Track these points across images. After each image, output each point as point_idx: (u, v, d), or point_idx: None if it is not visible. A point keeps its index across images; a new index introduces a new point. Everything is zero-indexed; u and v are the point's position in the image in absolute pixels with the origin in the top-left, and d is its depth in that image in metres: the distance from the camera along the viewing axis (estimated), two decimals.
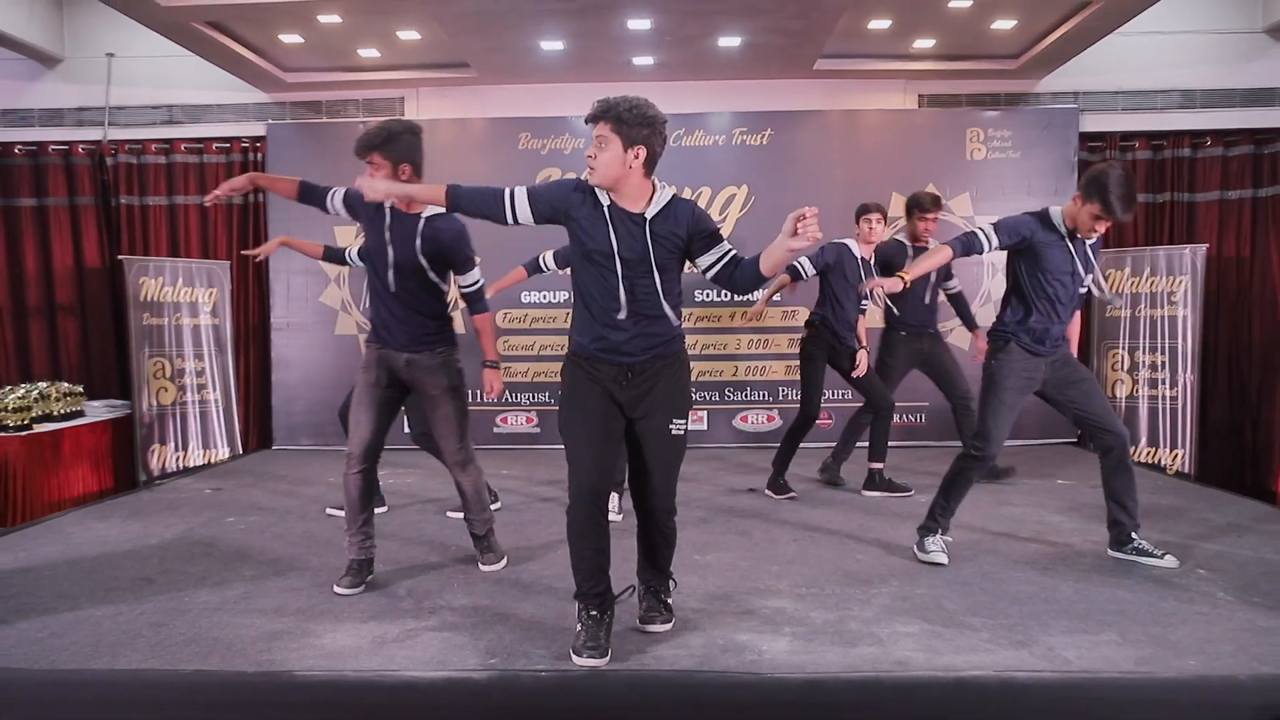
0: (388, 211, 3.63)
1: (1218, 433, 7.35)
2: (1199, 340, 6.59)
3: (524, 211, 2.99)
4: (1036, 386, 3.92)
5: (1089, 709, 2.67)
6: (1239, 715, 2.60)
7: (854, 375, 5.28)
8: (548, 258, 5.16)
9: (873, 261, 5.29)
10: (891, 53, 7.23)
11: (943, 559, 3.90)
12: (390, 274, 3.65)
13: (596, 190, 2.94)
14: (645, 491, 3.10)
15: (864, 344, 5.35)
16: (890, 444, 5.44)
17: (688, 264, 3.05)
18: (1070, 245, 3.80)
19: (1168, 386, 6.68)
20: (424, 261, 3.65)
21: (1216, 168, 7.53)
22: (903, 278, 3.82)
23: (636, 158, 2.86)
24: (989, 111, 7.44)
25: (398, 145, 3.57)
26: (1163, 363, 6.70)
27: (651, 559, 3.19)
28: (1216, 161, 7.53)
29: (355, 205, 3.70)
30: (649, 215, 2.92)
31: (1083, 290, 3.94)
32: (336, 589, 3.60)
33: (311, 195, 3.78)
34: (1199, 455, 6.58)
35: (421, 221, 3.64)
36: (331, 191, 3.76)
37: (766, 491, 5.38)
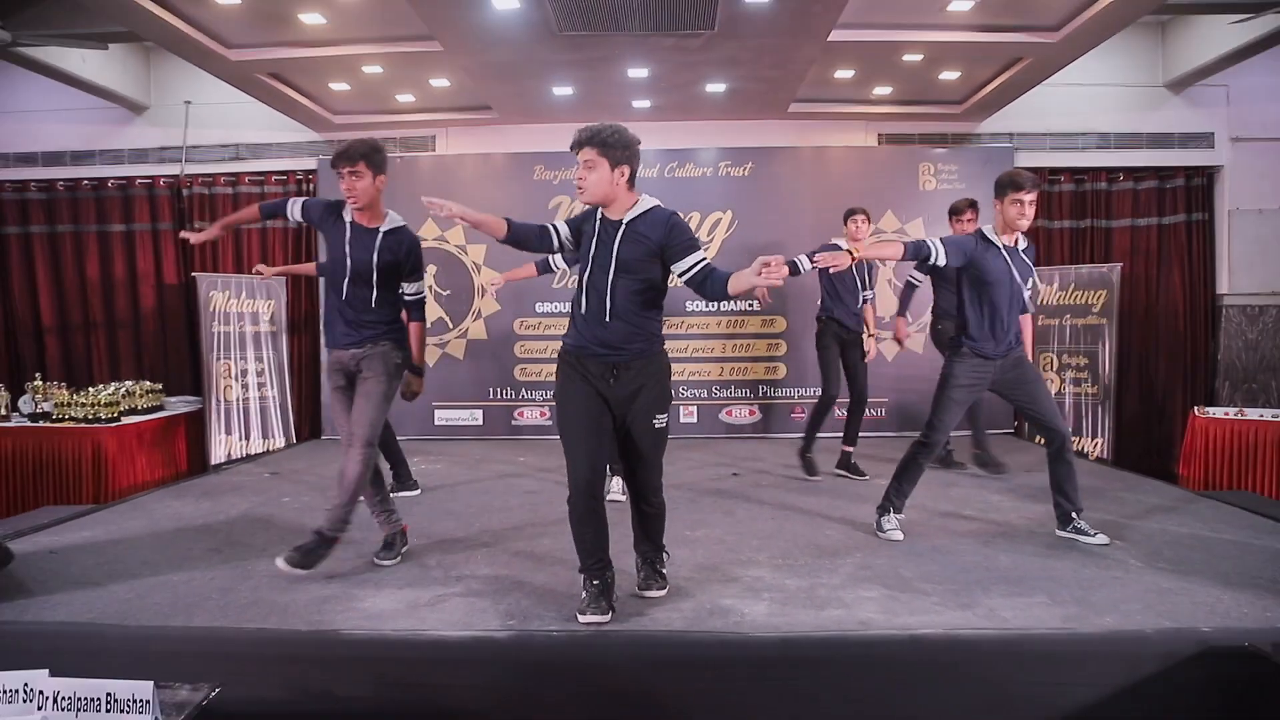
0: (348, 225, 3.47)
1: (1130, 424, 7.38)
2: (1115, 346, 6.59)
3: (567, 237, 3.00)
4: (987, 386, 3.86)
5: (1023, 660, 2.66)
6: (1147, 663, 2.60)
7: (865, 360, 5.22)
8: (556, 257, 4.85)
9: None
10: (854, 98, 7.23)
11: (898, 535, 3.88)
12: (346, 282, 3.46)
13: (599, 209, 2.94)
14: (635, 476, 3.06)
15: (873, 331, 5.24)
16: (859, 435, 5.41)
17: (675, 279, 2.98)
18: (1005, 254, 3.75)
19: (1089, 385, 6.68)
20: (379, 271, 3.46)
21: (1128, 199, 7.57)
22: (851, 252, 3.70)
23: (622, 175, 2.86)
24: (938, 149, 7.44)
25: (379, 158, 3.44)
26: (1084, 365, 6.70)
27: (645, 533, 3.16)
28: (1128, 194, 7.56)
29: (313, 215, 3.55)
30: (626, 219, 2.89)
31: (1026, 293, 3.86)
32: (376, 560, 3.57)
33: (274, 211, 3.60)
34: (1115, 444, 6.58)
35: (380, 235, 3.47)
36: (290, 202, 3.59)
37: (798, 463, 5.27)
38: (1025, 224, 3.71)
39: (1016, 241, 3.79)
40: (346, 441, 3.48)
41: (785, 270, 2.65)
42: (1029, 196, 3.66)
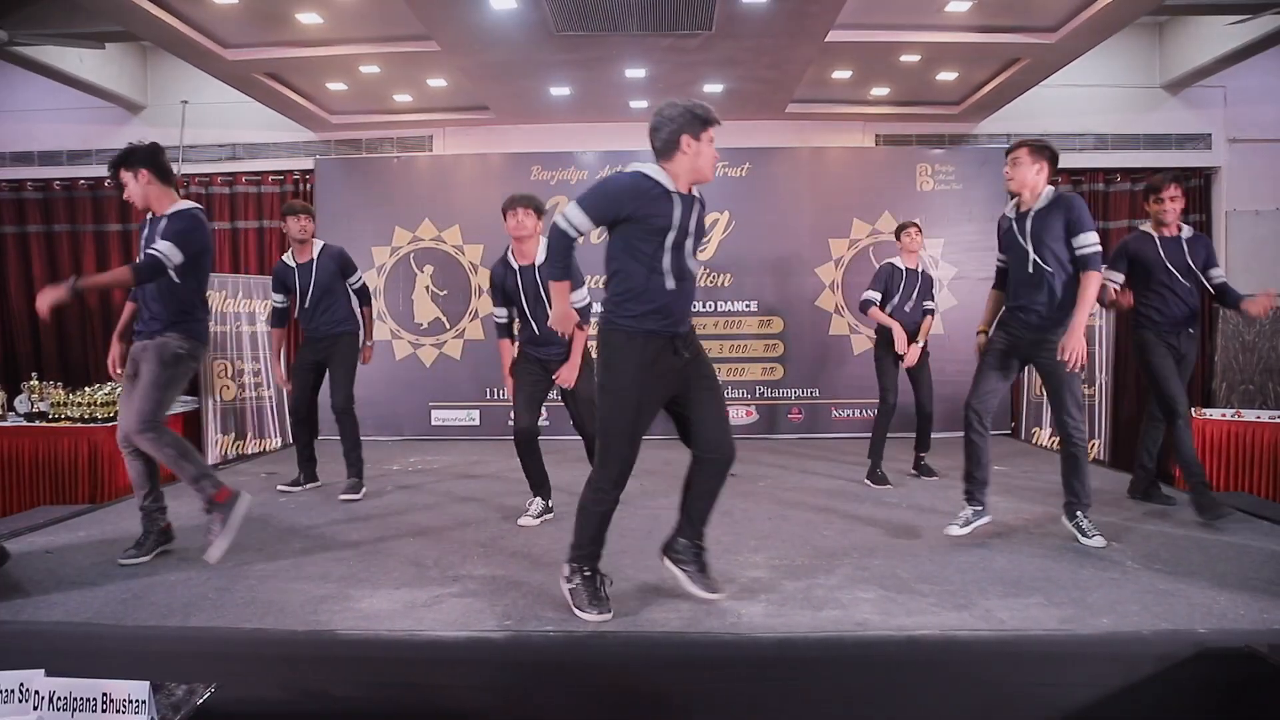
0: (148, 221, 3.61)
1: (1128, 426, 7.36)
2: (1113, 347, 6.60)
3: (583, 222, 2.84)
4: (1020, 354, 3.89)
5: (1020, 661, 2.66)
6: (1144, 665, 2.61)
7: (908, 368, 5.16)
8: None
9: (921, 269, 5.15)
10: (852, 98, 7.25)
11: (968, 531, 3.89)
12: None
13: (660, 180, 2.88)
14: (717, 441, 2.93)
15: (922, 341, 5.13)
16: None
17: None
18: (1015, 224, 3.80)
19: (1087, 386, 6.68)
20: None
21: (1125, 200, 7.59)
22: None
23: None
24: (936, 149, 7.45)
25: (135, 157, 3.55)
26: (1083, 366, 6.69)
27: (707, 507, 3.00)
28: (1125, 195, 7.59)
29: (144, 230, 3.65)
30: (696, 194, 3.02)
31: (1046, 269, 3.71)
32: (122, 561, 3.52)
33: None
34: (1112, 444, 6.60)
35: (164, 221, 3.56)
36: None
37: (865, 482, 5.11)
38: (1013, 185, 3.81)
39: (1028, 209, 3.76)
40: (121, 435, 3.56)
41: None
42: (1006, 169, 3.82)
